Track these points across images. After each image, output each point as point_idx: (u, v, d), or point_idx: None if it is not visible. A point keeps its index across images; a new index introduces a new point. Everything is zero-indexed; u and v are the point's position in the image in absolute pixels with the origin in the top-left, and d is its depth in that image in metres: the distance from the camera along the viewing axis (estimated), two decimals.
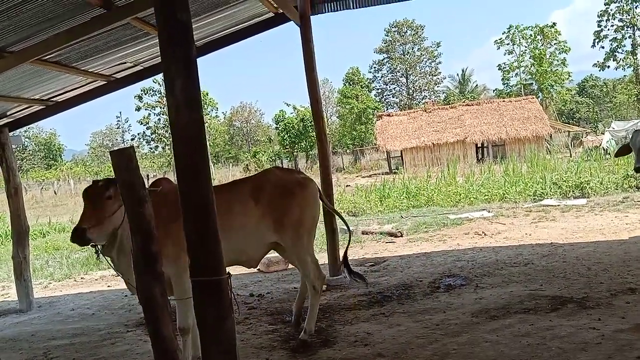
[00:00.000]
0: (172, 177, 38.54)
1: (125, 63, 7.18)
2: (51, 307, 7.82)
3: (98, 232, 3.88)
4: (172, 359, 2.86)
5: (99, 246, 4.06)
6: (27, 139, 54.00)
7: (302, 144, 44.88)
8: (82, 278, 10.00)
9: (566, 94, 49.29)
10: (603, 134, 32.29)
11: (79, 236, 3.81)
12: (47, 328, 6.60)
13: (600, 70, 48.93)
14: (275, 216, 4.76)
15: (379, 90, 59.53)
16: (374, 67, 59.40)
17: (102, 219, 3.86)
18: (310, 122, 38.28)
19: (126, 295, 7.73)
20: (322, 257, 8.15)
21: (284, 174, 5.11)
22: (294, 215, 4.82)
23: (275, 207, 4.76)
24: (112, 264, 4.24)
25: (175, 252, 4.08)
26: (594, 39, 46.99)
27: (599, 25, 46.68)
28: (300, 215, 4.86)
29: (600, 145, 26.93)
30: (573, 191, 13.71)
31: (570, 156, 25.97)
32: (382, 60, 59.07)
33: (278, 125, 47.05)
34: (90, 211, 3.90)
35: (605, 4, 45.64)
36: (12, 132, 8.02)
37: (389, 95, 60.44)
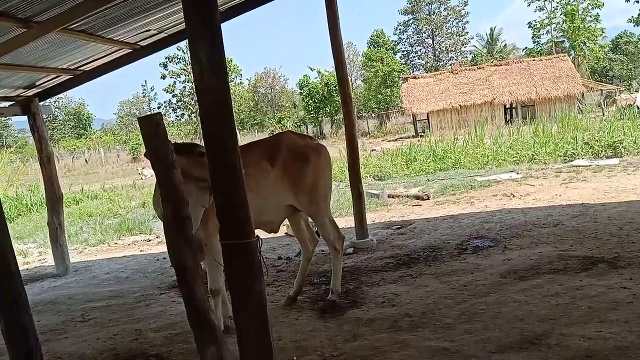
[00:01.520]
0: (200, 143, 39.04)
1: (149, 30, 7.18)
2: (87, 271, 8.10)
3: None
4: (204, 318, 2.95)
5: None
6: (57, 109, 54.82)
7: (327, 109, 44.53)
8: (115, 243, 10.28)
9: (599, 51, 47.52)
10: (637, 91, 31.24)
11: None
12: (83, 291, 6.85)
13: (635, 26, 46.81)
14: (291, 179, 4.82)
15: (405, 53, 58.39)
16: (399, 29, 58.15)
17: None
18: (335, 87, 37.91)
19: (158, 259, 7.94)
20: (349, 221, 8.21)
21: (299, 139, 5.14)
22: (309, 180, 4.88)
23: (291, 170, 4.82)
24: None
25: (205, 217, 4.15)
26: None
27: None
28: (314, 180, 4.91)
29: (634, 103, 26.07)
30: (605, 151, 13.40)
31: (603, 115, 25.28)
32: (407, 22, 57.74)
33: (302, 91, 46.68)
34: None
35: None
36: (42, 102, 8.17)
37: (414, 57, 59.27)
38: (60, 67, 7.40)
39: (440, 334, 4.06)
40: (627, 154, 13.04)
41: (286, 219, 5.35)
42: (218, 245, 3.08)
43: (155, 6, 6.24)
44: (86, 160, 43.54)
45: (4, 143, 49.50)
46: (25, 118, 8.03)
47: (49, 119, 46.24)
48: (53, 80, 7.97)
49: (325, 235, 5.08)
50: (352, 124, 7.79)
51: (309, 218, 5.34)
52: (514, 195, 9.69)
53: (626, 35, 57.19)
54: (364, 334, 4.24)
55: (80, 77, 7.98)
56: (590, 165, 12.01)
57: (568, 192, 9.36)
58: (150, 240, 10.00)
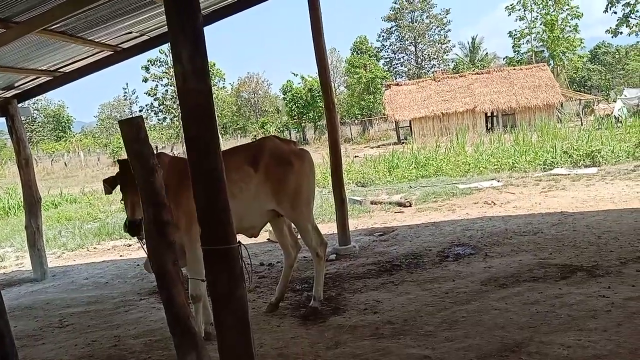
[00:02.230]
0: (182, 148, 38.42)
1: (130, 33, 7.12)
2: (65, 276, 7.96)
3: None
4: (185, 325, 2.91)
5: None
6: (35, 111, 54.09)
7: (310, 114, 44.61)
8: (94, 248, 10.13)
9: (578, 61, 48.45)
10: (615, 101, 31.80)
11: (138, 229, 3.70)
12: (61, 296, 6.73)
13: (612, 37, 47.77)
14: (273, 184, 4.79)
15: (387, 60, 58.82)
16: (382, 36, 58.62)
17: None
18: (318, 92, 37.99)
19: (138, 264, 7.84)
20: (332, 227, 8.20)
21: (282, 144, 5.11)
22: (291, 184, 4.85)
23: (273, 175, 4.79)
24: None
25: (186, 222, 4.10)
26: (607, 4, 45.75)
27: None
28: (297, 185, 4.88)
29: (612, 113, 26.55)
30: (584, 160, 13.61)
31: (582, 124, 25.68)
32: (390, 29, 58.21)
33: (285, 96, 46.71)
34: (136, 199, 3.63)
35: None
36: (20, 104, 8.04)
37: (397, 64, 59.75)
38: (39, 68, 7.30)
39: (422, 341, 4.06)
40: (605, 163, 13.26)
41: (269, 225, 5.32)
42: (201, 251, 3.04)
43: (137, 8, 6.19)
44: (65, 164, 42.91)
45: None
46: (2, 119, 7.90)
47: (27, 120, 45.55)
48: (32, 82, 7.85)
49: (307, 241, 5.04)
50: (335, 130, 7.79)
51: (292, 224, 5.31)
52: (494, 203, 9.78)
53: (604, 46, 58.39)
54: (346, 341, 4.22)
55: (60, 79, 7.87)
56: (569, 174, 12.19)
57: (547, 201, 9.48)
58: (130, 245, 9.87)
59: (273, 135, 5.48)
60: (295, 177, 4.88)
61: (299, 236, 5.25)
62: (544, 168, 13.67)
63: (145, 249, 3.75)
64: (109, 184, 4.20)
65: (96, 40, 6.85)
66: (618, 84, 52.22)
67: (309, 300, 5.18)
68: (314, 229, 5.08)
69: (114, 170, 4.14)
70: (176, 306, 2.91)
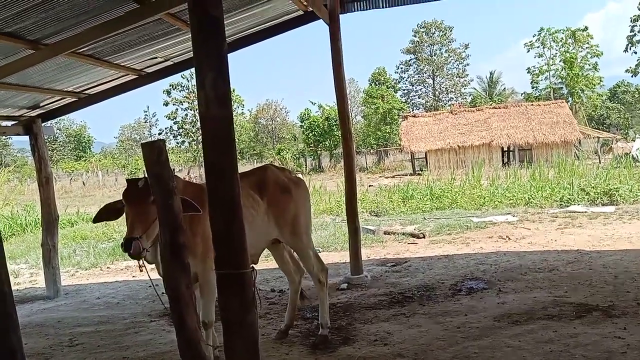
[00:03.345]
0: (198, 171, 38.65)
1: (155, 58, 7.29)
2: (77, 294, 8.00)
3: (147, 238, 3.63)
4: (195, 349, 2.91)
5: (143, 259, 3.72)
6: (58, 130, 55.05)
7: (327, 142, 44.83)
8: (108, 267, 10.19)
9: (597, 99, 48.23)
10: (634, 140, 31.57)
11: (135, 249, 3.50)
12: (73, 315, 6.75)
13: (632, 76, 47.73)
14: (276, 213, 4.89)
15: (405, 91, 59.13)
16: (401, 68, 59.05)
17: (149, 224, 3.58)
18: (335, 121, 38.27)
19: (150, 286, 7.84)
20: (344, 256, 8.17)
21: (281, 173, 5.23)
22: (291, 212, 4.96)
23: (276, 204, 4.89)
24: (158, 270, 3.91)
25: (203, 250, 4.11)
26: (627, 44, 45.87)
27: (632, 30, 45.54)
28: (296, 213, 5.00)
29: (630, 152, 26.32)
30: (601, 198, 13.45)
31: (599, 162, 25.47)
32: (408, 61, 58.67)
33: (303, 124, 47.07)
34: (137, 217, 3.59)
35: (638, 8, 44.53)
36: (44, 123, 8.22)
37: (414, 96, 60.02)
38: (65, 89, 7.48)
39: None
40: (622, 202, 13.10)
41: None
42: (215, 278, 3.04)
43: (164, 34, 6.36)
44: (84, 183, 43.44)
45: (3, 162, 49.49)
46: (25, 137, 8.06)
47: (49, 139, 46.36)
48: (57, 102, 8.04)
49: (308, 267, 5.10)
50: (351, 159, 7.83)
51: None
52: (509, 238, 9.69)
53: (624, 85, 58.13)
54: None
55: (84, 100, 8.05)
56: (586, 212, 12.04)
57: (563, 238, 9.36)
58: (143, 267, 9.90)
59: (271, 164, 5.59)
60: (294, 205, 5.01)
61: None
62: (560, 205, 13.53)
63: (146, 268, 3.82)
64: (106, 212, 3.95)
65: (122, 64, 7.03)
66: (637, 123, 51.86)
67: (318, 329, 5.15)
68: (314, 255, 5.14)
69: None
70: (188, 330, 2.92)
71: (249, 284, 2.93)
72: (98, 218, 3.97)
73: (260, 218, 4.78)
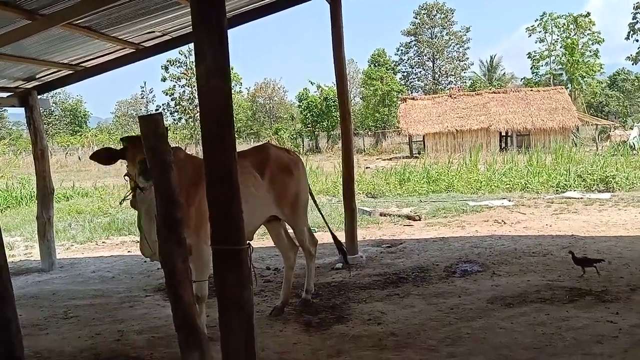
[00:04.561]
0: (195, 149, 38.51)
1: (153, 32, 7.19)
2: (72, 268, 8.01)
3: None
4: (191, 322, 2.91)
5: (129, 195, 4.04)
6: (53, 104, 54.60)
7: (324, 123, 44.61)
8: (103, 242, 10.20)
9: (596, 86, 48.16)
10: (632, 128, 31.53)
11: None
12: (67, 288, 6.77)
13: (633, 64, 47.67)
14: (277, 191, 5.00)
15: (405, 74, 58.77)
16: (401, 50, 58.63)
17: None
18: (334, 102, 38.07)
19: (145, 261, 7.85)
20: (340, 236, 8.16)
21: (281, 152, 5.34)
22: (291, 191, 5.12)
23: (277, 182, 4.99)
24: (138, 218, 4.25)
25: (197, 221, 4.11)
26: (629, 31, 45.70)
27: (634, 18, 45.33)
28: (296, 191, 5.17)
29: (627, 140, 26.32)
30: (597, 185, 13.49)
31: (597, 149, 25.49)
32: (409, 43, 58.22)
33: (301, 104, 46.79)
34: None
35: None
36: (40, 95, 8.13)
37: (414, 78, 59.68)
38: (61, 61, 7.39)
39: (424, 355, 4.04)
40: (619, 189, 13.14)
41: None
42: (209, 252, 3.06)
43: (161, 8, 6.25)
44: (79, 157, 43.22)
45: None
46: (21, 110, 8.00)
47: (44, 113, 46.03)
48: (53, 74, 7.95)
49: (302, 241, 5.37)
50: (349, 140, 7.81)
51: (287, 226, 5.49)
52: (505, 222, 9.73)
53: (624, 73, 57.96)
54: (348, 351, 4.20)
55: (80, 73, 7.96)
56: (582, 198, 12.08)
57: (559, 223, 9.40)
58: (138, 242, 9.92)
59: (269, 143, 5.65)
60: (294, 183, 5.16)
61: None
62: (556, 190, 13.57)
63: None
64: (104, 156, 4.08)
65: (119, 37, 6.93)
66: (636, 112, 51.80)
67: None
68: (308, 230, 5.43)
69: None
70: (184, 304, 2.92)
71: (245, 260, 2.93)
72: (96, 155, 4.10)
73: (260, 196, 4.82)
